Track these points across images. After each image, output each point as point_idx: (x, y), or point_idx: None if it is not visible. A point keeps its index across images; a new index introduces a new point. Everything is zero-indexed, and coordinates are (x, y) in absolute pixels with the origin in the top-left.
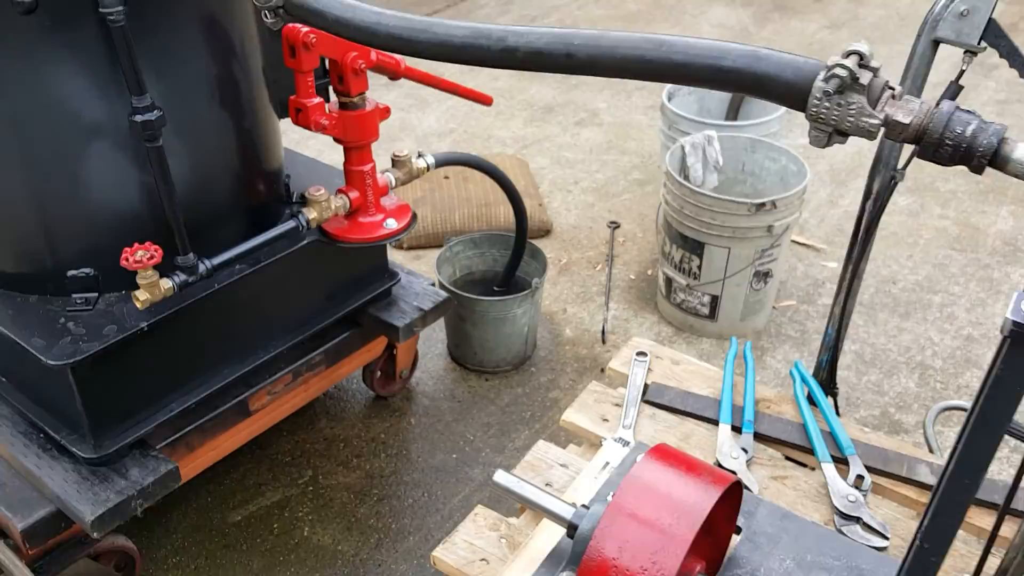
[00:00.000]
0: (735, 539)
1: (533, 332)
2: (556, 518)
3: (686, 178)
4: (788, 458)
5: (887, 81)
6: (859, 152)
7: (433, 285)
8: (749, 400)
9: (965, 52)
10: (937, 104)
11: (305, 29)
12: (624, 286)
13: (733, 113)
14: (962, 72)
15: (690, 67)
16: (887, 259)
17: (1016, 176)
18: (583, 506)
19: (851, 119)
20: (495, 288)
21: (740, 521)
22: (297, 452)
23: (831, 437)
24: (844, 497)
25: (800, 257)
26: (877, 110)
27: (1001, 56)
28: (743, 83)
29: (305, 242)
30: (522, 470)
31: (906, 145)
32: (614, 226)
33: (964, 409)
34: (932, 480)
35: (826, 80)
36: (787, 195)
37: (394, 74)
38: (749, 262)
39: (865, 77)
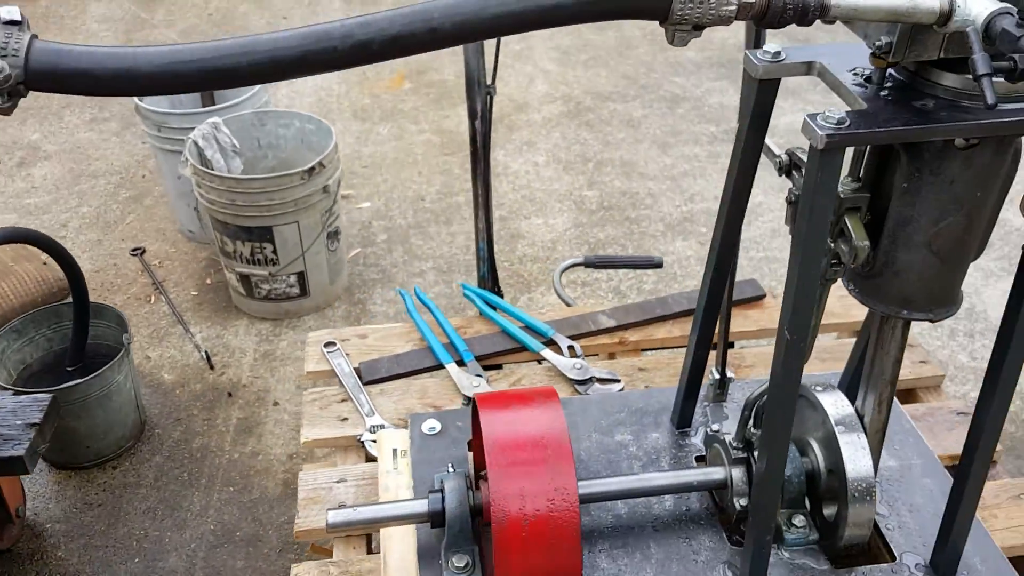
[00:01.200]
0: None
1: (139, 394)
2: (414, 518)
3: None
4: (510, 364)
5: None
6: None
7: (17, 395)
8: (452, 333)
9: None
10: None
11: None
12: (191, 305)
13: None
14: None
15: (562, 5)
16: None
17: (839, 18)
18: (433, 492)
19: (712, 12)
20: (68, 369)
21: None
22: None
23: (530, 329)
24: (572, 368)
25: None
26: None
27: None
28: (613, 8)
29: None
30: (305, 505)
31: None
32: (140, 252)
33: (579, 265)
34: (611, 323)
35: None
36: (328, 152)
37: None
38: (320, 227)
39: None
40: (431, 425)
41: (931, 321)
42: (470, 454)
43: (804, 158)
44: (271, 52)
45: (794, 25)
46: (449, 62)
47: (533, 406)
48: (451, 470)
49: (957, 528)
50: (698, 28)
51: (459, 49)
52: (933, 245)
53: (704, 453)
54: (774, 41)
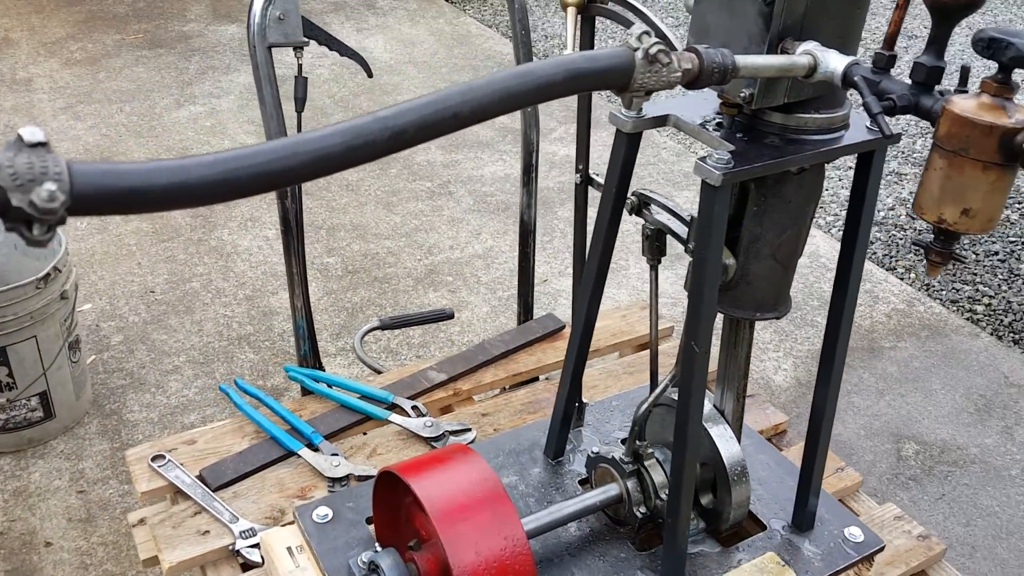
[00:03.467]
0: None
1: None
2: None
3: None
4: (359, 436)
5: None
6: None
7: None
8: (292, 417)
9: (296, 49)
10: (689, 50)
11: None
12: None
13: None
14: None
15: (555, 83)
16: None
17: (745, 76)
18: (363, 570)
19: (663, 79)
20: None
21: None
22: None
23: (368, 398)
24: (424, 427)
25: None
26: (675, 66)
27: (320, 44)
28: (593, 82)
29: None
30: None
31: None
32: None
33: (378, 328)
34: (443, 377)
35: (648, 58)
36: (60, 255)
37: None
38: (61, 339)
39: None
40: (322, 512)
41: (777, 319)
42: (370, 528)
43: (652, 196)
44: (318, 151)
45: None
46: (136, 145)
47: (454, 464)
48: (378, 549)
49: (812, 489)
50: (648, 93)
51: (143, 125)
52: (777, 255)
53: (585, 476)
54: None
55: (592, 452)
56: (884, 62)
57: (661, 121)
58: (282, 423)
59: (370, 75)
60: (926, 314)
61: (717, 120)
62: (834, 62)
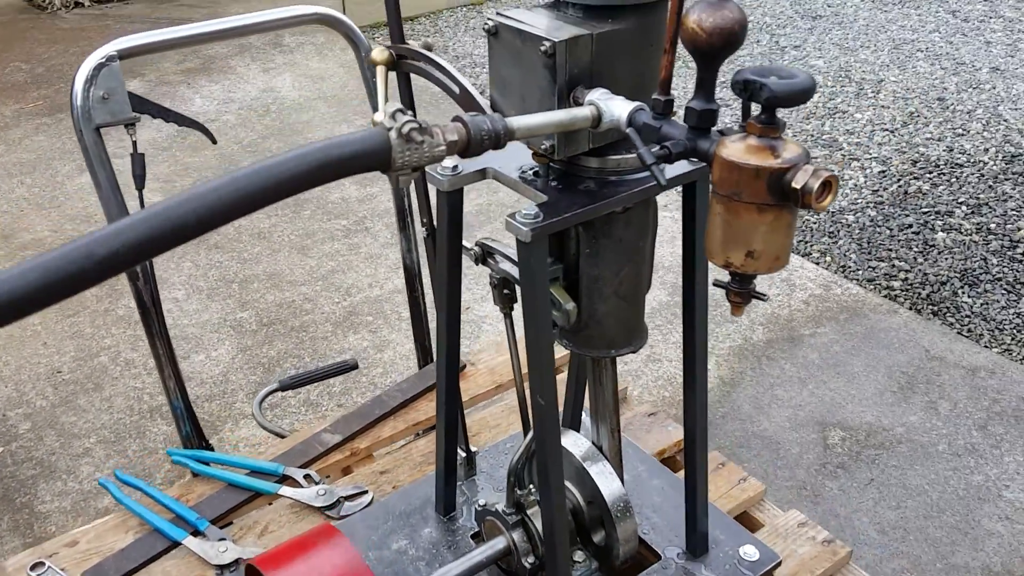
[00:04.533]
0: None
1: None
2: None
3: None
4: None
5: (423, 119)
6: None
7: None
8: (175, 504)
9: (127, 126)
10: (456, 120)
11: None
12: None
13: None
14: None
15: (300, 177)
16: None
17: (521, 139)
18: None
19: (427, 154)
20: None
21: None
22: None
23: (258, 472)
24: (316, 497)
25: None
26: (439, 140)
27: (154, 117)
28: (348, 168)
29: None
30: None
31: None
32: None
33: (277, 390)
34: (337, 438)
35: (403, 136)
36: None
37: None
38: None
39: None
40: None
41: (633, 352)
42: None
43: (493, 246)
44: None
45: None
46: (38, 218)
47: (319, 551)
48: None
49: (699, 513)
50: (416, 169)
51: (45, 196)
52: (619, 292)
53: (478, 529)
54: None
55: (479, 505)
56: (662, 107)
57: (479, 175)
58: (167, 512)
59: (214, 142)
60: (843, 296)
61: (534, 169)
62: (618, 109)
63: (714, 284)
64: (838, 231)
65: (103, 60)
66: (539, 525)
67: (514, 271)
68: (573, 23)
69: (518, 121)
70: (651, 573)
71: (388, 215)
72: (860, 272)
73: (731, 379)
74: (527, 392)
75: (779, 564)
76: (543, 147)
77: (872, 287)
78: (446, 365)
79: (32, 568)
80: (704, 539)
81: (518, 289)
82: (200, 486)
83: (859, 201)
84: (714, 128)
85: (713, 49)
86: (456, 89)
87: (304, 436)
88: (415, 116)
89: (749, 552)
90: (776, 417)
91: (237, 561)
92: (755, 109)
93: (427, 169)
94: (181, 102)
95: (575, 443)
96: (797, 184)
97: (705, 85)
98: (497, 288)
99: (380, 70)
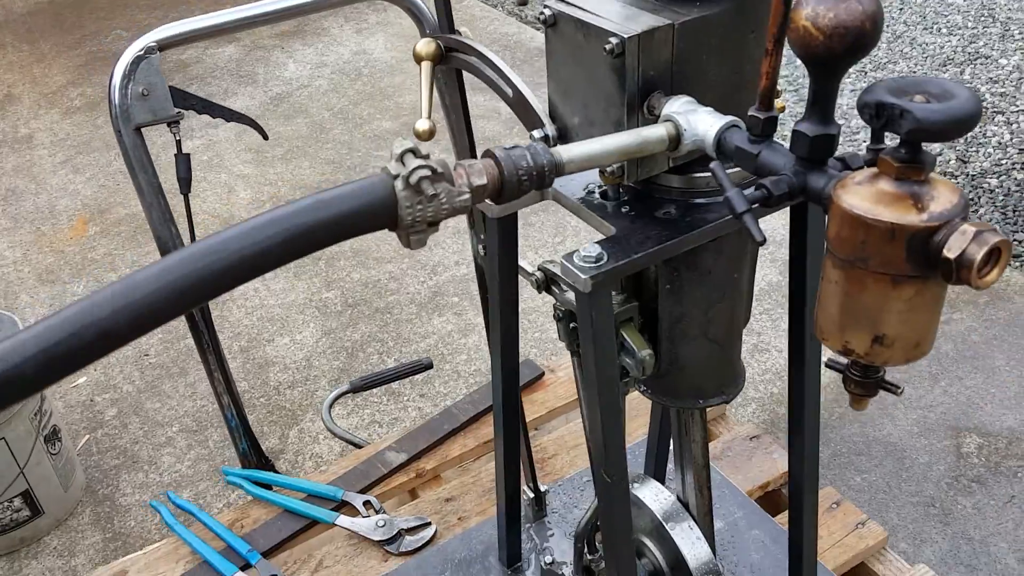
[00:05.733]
0: None
1: None
2: None
3: None
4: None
5: (441, 159)
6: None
7: None
8: (227, 534)
9: (170, 124)
10: (487, 155)
11: None
12: None
13: None
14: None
15: (294, 241)
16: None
17: (575, 172)
18: None
19: (445, 206)
20: None
21: None
22: None
23: (316, 496)
24: (375, 529)
25: None
26: (460, 185)
27: (200, 112)
28: (332, 235)
29: None
30: None
31: None
32: None
33: (348, 392)
34: (402, 458)
35: (411, 187)
36: None
37: None
38: (34, 434)
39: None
40: None
41: (726, 402)
42: None
43: (556, 271)
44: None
45: None
46: (133, 192)
47: None
48: None
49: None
50: (433, 224)
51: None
52: (709, 333)
53: None
54: None
55: (545, 563)
56: (761, 127)
57: (537, 197)
58: (217, 541)
59: (265, 137)
60: None
61: (603, 189)
62: (703, 126)
63: (827, 366)
64: (979, 197)
65: (141, 52)
66: None
67: None
68: (649, 10)
69: (570, 151)
70: None
71: None
72: None
73: (825, 384)
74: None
75: None
76: (610, 170)
77: (1018, 264)
78: (503, 387)
79: None
80: None
81: None
82: (255, 510)
83: (1004, 162)
84: (831, 158)
85: (833, 55)
86: (510, 92)
87: (366, 454)
88: (465, 129)
89: None
90: (902, 420)
91: None
92: (891, 135)
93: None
94: (275, 67)
95: (656, 497)
96: (951, 252)
97: (821, 101)
98: (563, 322)
99: (425, 67)
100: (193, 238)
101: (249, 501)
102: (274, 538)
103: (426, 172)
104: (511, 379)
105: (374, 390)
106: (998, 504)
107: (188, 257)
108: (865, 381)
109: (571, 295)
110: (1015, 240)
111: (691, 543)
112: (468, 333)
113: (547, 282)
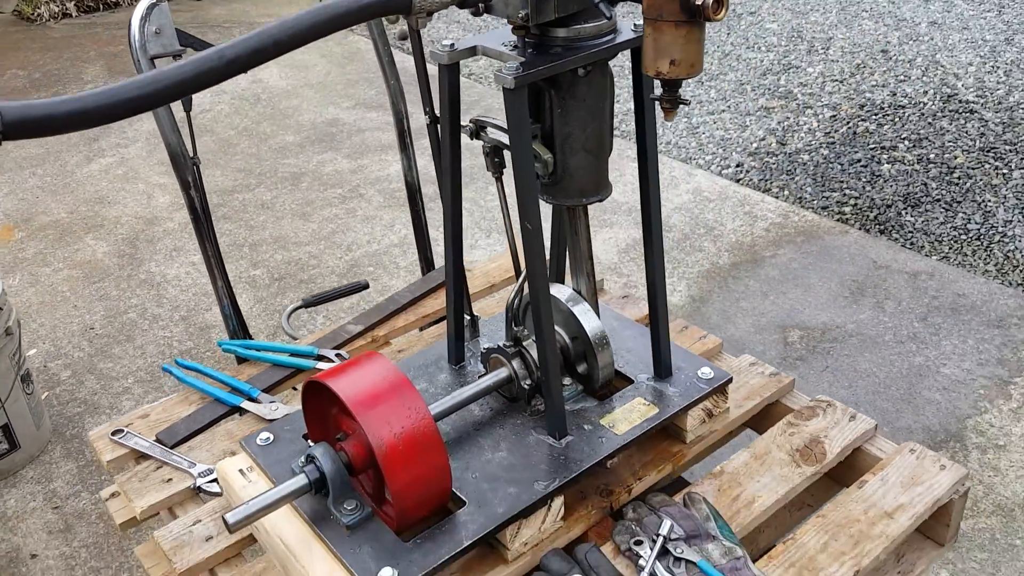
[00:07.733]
0: None
1: None
2: (300, 491)
3: None
4: (294, 386)
5: None
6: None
7: None
8: (231, 380)
9: (175, 56)
10: None
11: None
12: None
13: None
14: None
15: (349, 13)
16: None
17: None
18: (307, 465)
19: (438, 1)
20: None
21: None
22: None
23: (297, 354)
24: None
25: None
26: None
27: (197, 50)
28: (380, 10)
29: None
30: (175, 551)
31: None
32: None
33: (301, 307)
34: (359, 328)
35: None
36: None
37: None
38: (13, 372)
39: None
40: (264, 436)
41: (601, 201)
42: (307, 443)
43: (485, 120)
44: (176, 77)
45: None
46: (54, 202)
47: (364, 366)
48: (311, 444)
49: (663, 344)
50: (429, 14)
51: (57, 184)
52: (587, 147)
53: (484, 372)
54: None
55: (484, 348)
56: None
57: (471, 51)
58: (223, 386)
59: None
60: (800, 222)
61: (514, 44)
62: None
63: (651, 98)
64: (795, 169)
65: (154, 0)
66: (534, 354)
67: (503, 137)
68: None
69: None
70: (626, 392)
71: (379, 183)
72: (815, 202)
73: (700, 296)
74: (517, 237)
75: (730, 380)
76: (521, 15)
77: (826, 213)
78: (451, 237)
79: (113, 434)
80: (668, 365)
81: (506, 155)
82: (248, 369)
83: (813, 143)
84: None
85: None
86: None
87: (331, 329)
88: None
89: (706, 372)
90: (742, 324)
91: (288, 416)
92: None
93: (431, 50)
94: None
95: (559, 291)
96: (699, 1)
97: None
98: (489, 156)
99: None
100: (194, 142)
101: (241, 364)
102: (268, 382)
103: None
104: (458, 217)
105: (318, 312)
106: (816, 372)
107: (297, 18)
108: (671, 97)
109: (496, 134)
110: (823, 197)
111: (587, 317)
112: (385, 293)
113: (478, 130)
